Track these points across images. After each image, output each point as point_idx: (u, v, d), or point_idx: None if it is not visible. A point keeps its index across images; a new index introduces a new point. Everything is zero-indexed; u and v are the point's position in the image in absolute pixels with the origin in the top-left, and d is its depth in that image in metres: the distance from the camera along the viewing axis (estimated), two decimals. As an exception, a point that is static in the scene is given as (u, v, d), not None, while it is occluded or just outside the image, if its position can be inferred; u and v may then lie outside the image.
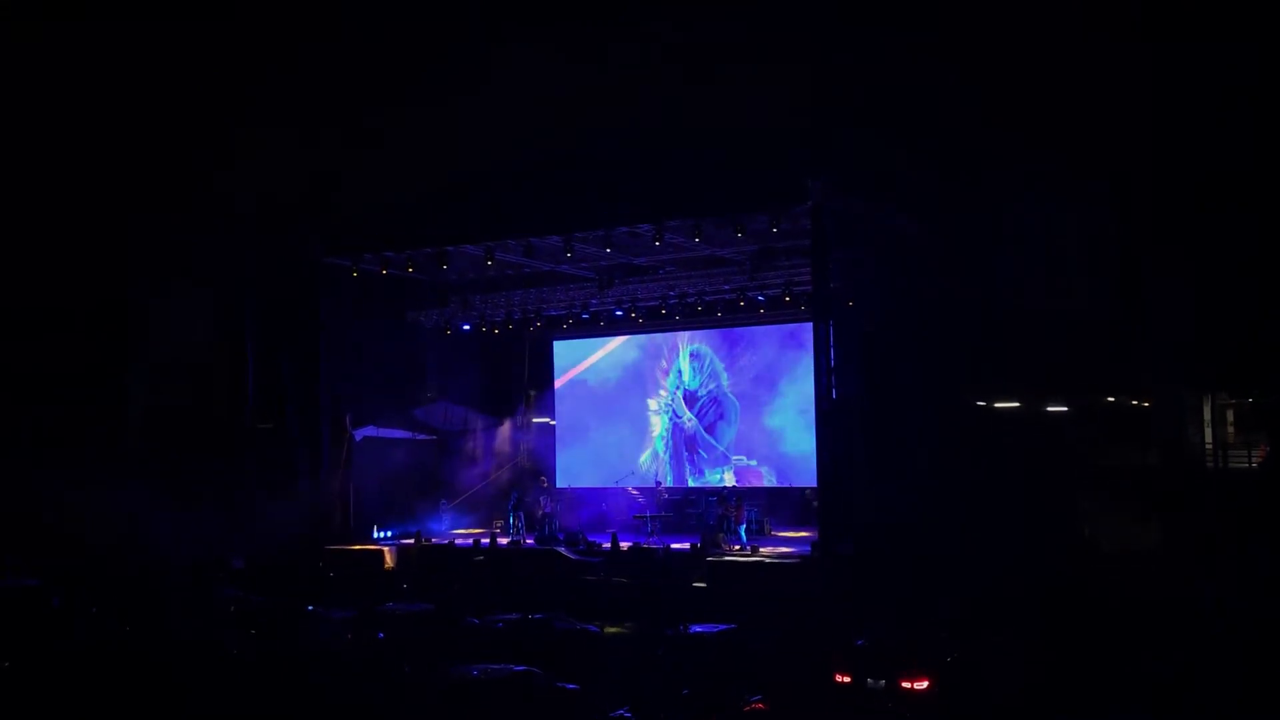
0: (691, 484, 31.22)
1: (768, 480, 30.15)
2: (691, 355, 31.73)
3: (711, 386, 31.38)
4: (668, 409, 31.93)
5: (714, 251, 27.41)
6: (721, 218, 24.49)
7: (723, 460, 30.95)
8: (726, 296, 28.15)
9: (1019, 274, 25.00)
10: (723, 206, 24.12)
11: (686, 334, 31.58)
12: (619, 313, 29.99)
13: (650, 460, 31.93)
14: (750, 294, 27.77)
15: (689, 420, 31.62)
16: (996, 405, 26.70)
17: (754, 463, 30.52)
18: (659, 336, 32.05)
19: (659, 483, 30.87)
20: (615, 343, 32.81)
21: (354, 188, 27.40)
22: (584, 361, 33.33)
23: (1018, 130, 23.70)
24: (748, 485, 29.51)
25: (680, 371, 31.86)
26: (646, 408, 32.30)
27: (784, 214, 23.88)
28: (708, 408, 31.38)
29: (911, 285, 24.84)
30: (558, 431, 33.74)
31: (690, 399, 31.63)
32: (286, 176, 26.70)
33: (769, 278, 27.36)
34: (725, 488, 28.64)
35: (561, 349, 33.81)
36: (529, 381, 34.31)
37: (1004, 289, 24.94)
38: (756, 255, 27.32)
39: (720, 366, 31.31)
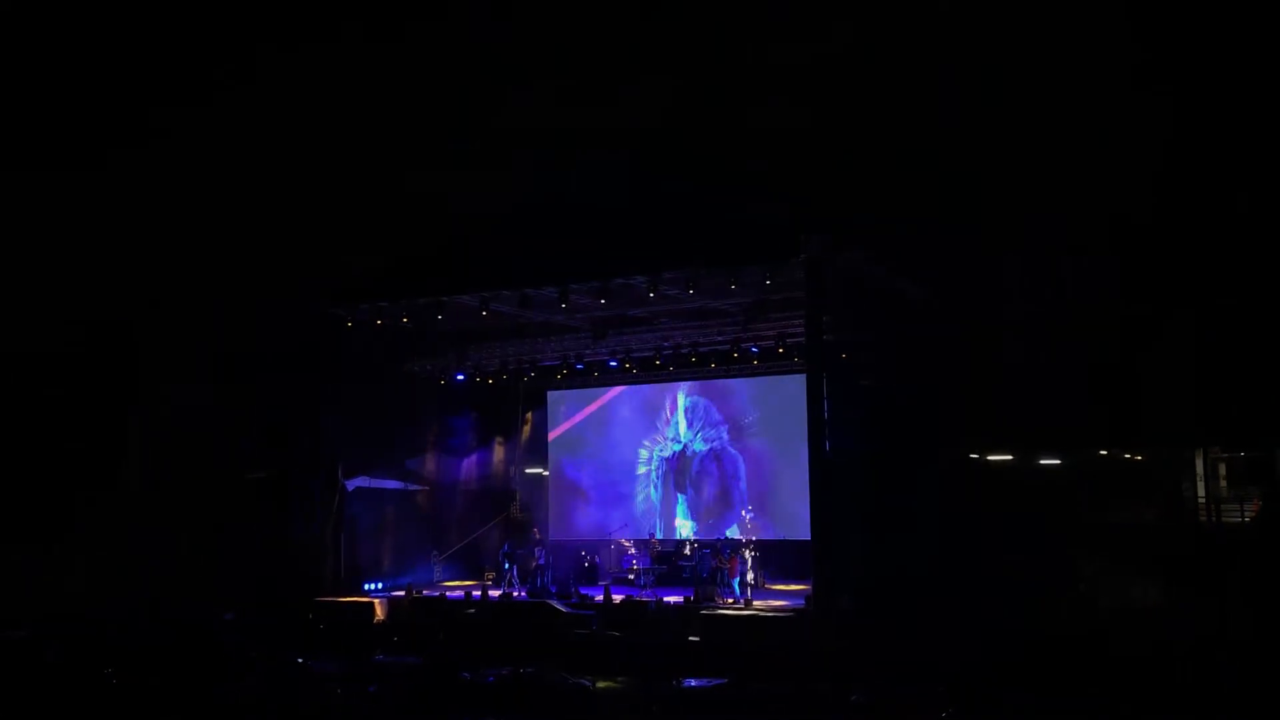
0: (687, 536, 31.16)
1: (764, 532, 30.05)
2: (687, 408, 31.80)
3: (708, 438, 31.45)
4: (662, 460, 31.99)
5: (707, 303, 27.51)
6: (715, 270, 24.61)
7: (724, 513, 30.88)
8: (720, 347, 28.30)
9: (1015, 326, 25.06)
10: (716, 259, 24.22)
11: (684, 385, 31.65)
12: (613, 363, 30.11)
13: (644, 511, 31.89)
14: (744, 345, 27.93)
15: (684, 471, 31.66)
16: (990, 459, 26.72)
17: (746, 512, 30.38)
18: (654, 387, 32.14)
19: (651, 534, 30.81)
20: (611, 393, 32.84)
21: (352, 238, 27.52)
22: (578, 414, 33.34)
23: (1018, 181, 23.82)
24: (749, 538, 29.44)
25: (677, 422, 31.94)
26: (640, 458, 32.30)
27: (778, 267, 24.01)
28: (705, 459, 31.41)
29: (907, 336, 24.94)
30: (550, 482, 33.70)
31: (687, 450, 31.70)
32: (290, 226, 26.82)
33: (762, 329, 27.51)
34: (719, 539, 28.61)
35: (555, 399, 33.85)
36: (522, 432, 34.33)
37: (1001, 341, 24.98)
38: (751, 307, 27.44)
39: (718, 417, 31.35)
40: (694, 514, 31.47)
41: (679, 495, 31.76)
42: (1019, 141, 23.34)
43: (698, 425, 31.60)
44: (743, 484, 30.84)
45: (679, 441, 31.82)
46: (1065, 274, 24.82)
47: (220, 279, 27.98)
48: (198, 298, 28.34)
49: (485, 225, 26.91)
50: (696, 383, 31.48)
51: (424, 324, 29.26)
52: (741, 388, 30.96)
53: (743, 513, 30.39)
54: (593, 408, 33.14)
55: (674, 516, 31.70)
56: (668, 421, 32.05)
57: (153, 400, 29.11)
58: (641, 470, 32.33)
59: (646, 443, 32.28)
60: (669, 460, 31.93)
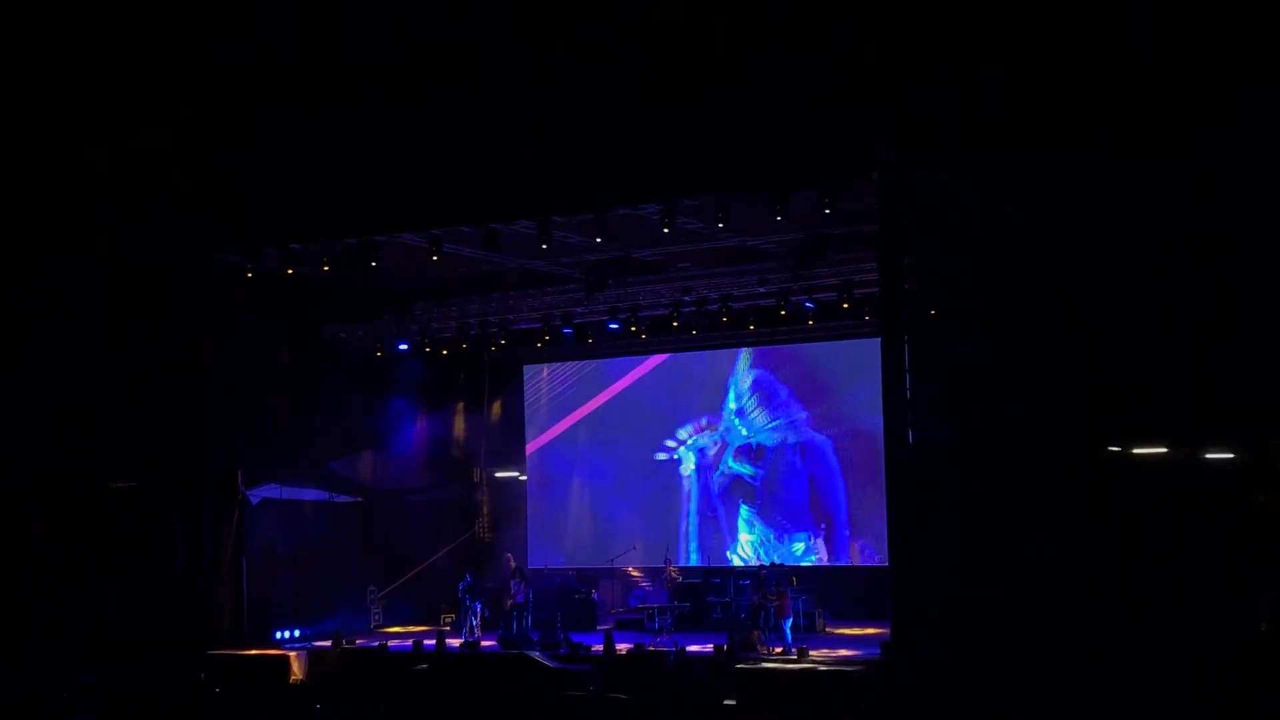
0: (749, 560, 31.17)
1: (831, 555, 30.43)
2: (753, 382, 32.06)
3: (781, 423, 31.71)
4: (699, 455, 32.32)
5: (744, 240, 27.49)
6: (755, 194, 24.32)
7: (795, 526, 31.11)
8: (762, 302, 28.47)
9: (1173, 276, 24.94)
10: (757, 178, 23.99)
11: (739, 352, 31.99)
12: (614, 325, 30.19)
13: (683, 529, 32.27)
14: (794, 298, 27.99)
15: (726, 473, 32.01)
16: (1136, 451, 26.72)
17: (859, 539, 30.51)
18: (676, 359, 32.56)
19: (667, 560, 30.83)
20: (625, 379, 33.13)
21: (250, 155, 27.17)
22: (563, 419, 33.67)
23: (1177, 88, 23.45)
24: (834, 563, 29.89)
25: (738, 402, 32.18)
26: (659, 452, 32.67)
27: (841, 188, 23.74)
28: (781, 452, 31.63)
29: (1022, 289, 24.92)
30: (530, 490, 33.90)
31: (756, 440, 31.95)
32: (157, 137, 26.53)
33: (820, 276, 27.44)
34: (763, 566, 28.65)
35: (534, 377, 34.03)
36: (489, 419, 34.30)
37: (1153, 295, 24.90)
38: (803, 245, 27.36)
39: (790, 392, 31.71)
40: (762, 529, 31.57)
41: (742, 505, 31.87)
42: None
43: (768, 405, 31.84)
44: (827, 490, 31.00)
45: (742, 427, 32.01)
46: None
47: (55, 216, 27.65)
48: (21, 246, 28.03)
49: (437, 136, 26.61)
50: (764, 348, 31.72)
51: (353, 274, 29.04)
52: (800, 355, 31.30)
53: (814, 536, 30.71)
54: (590, 406, 33.37)
55: (730, 534, 31.84)
56: (720, 399, 32.31)
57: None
58: (662, 467, 32.51)
59: (687, 430, 32.50)
60: (711, 454, 32.23)
